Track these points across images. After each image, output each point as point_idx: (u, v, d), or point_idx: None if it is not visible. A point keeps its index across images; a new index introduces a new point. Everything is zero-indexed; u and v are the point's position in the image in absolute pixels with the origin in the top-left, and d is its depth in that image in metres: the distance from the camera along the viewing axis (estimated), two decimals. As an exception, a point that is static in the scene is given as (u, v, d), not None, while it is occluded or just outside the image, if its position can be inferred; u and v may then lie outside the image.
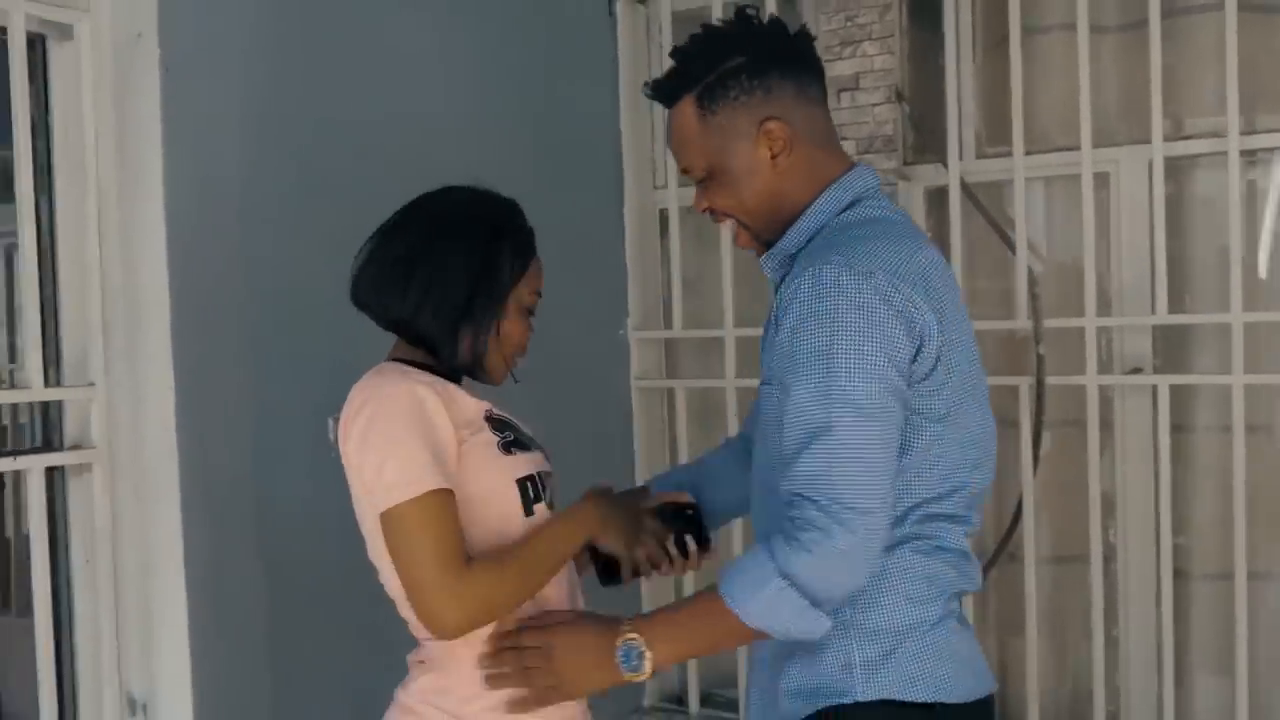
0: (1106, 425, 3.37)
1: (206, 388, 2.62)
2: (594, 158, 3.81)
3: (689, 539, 1.96)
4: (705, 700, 3.83)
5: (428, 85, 3.21)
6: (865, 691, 1.69)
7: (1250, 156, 3.23)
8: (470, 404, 1.80)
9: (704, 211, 1.87)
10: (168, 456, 2.58)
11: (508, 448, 1.81)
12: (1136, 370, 3.31)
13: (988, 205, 3.41)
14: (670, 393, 3.87)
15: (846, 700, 1.70)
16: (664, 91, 1.83)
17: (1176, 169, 3.34)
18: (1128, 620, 3.36)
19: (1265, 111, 3.19)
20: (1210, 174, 3.29)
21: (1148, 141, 3.20)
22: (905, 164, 3.56)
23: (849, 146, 3.47)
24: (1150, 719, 3.28)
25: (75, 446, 2.58)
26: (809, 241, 1.79)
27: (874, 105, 3.47)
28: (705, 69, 1.78)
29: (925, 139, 3.53)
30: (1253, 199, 3.28)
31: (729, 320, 3.65)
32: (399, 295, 1.82)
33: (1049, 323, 3.33)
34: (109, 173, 2.61)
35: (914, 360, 1.65)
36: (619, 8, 3.81)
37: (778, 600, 1.60)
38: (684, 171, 1.86)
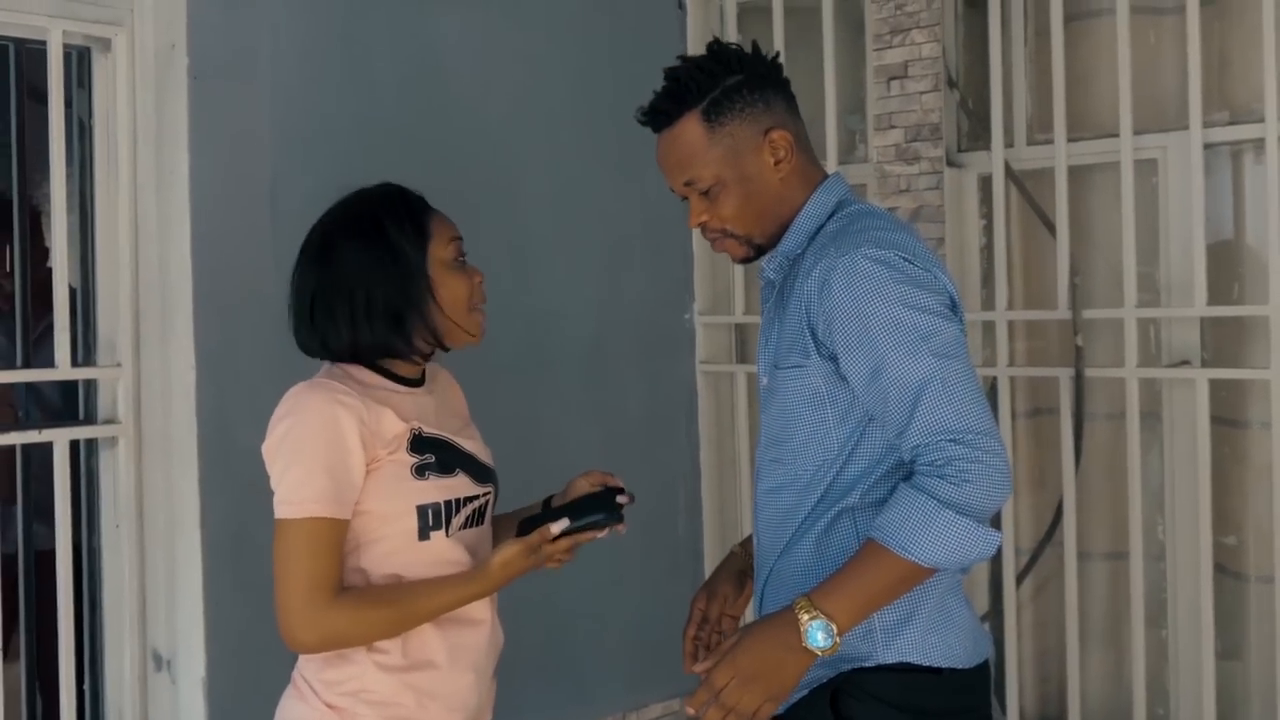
0: (1155, 418, 3.25)
1: (224, 369, 2.84)
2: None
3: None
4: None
5: (475, 85, 3.37)
6: (885, 655, 1.83)
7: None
8: (395, 426, 1.89)
9: (698, 225, 1.98)
10: (188, 431, 2.81)
11: (421, 471, 1.90)
12: (1184, 363, 3.18)
13: (1044, 192, 3.34)
14: (733, 377, 3.93)
15: (868, 664, 1.83)
16: (664, 112, 1.96)
17: (1232, 156, 3.19)
18: (1176, 619, 3.23)
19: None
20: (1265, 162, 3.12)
21: (1199, 127, 3.07)
22: (959, 150, 3.51)
23: (897, 134, 3.46)
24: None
25: (108, 421, 2.85)
26: (810, 241, 1.94)
27: (922, 93, 3.43)
28: (709, 86, 1.93)
29: (978, 126, 3.47)
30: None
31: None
32: (332, 329, 1.93)
33: (1089, 313, 3.24)
34: (147, 173, 2.86)
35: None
36: (688, 2, 3.88)
37: (951, 531, 1.70)
38: (685, 186, 1.95)
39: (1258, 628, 3.16)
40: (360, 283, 1.91)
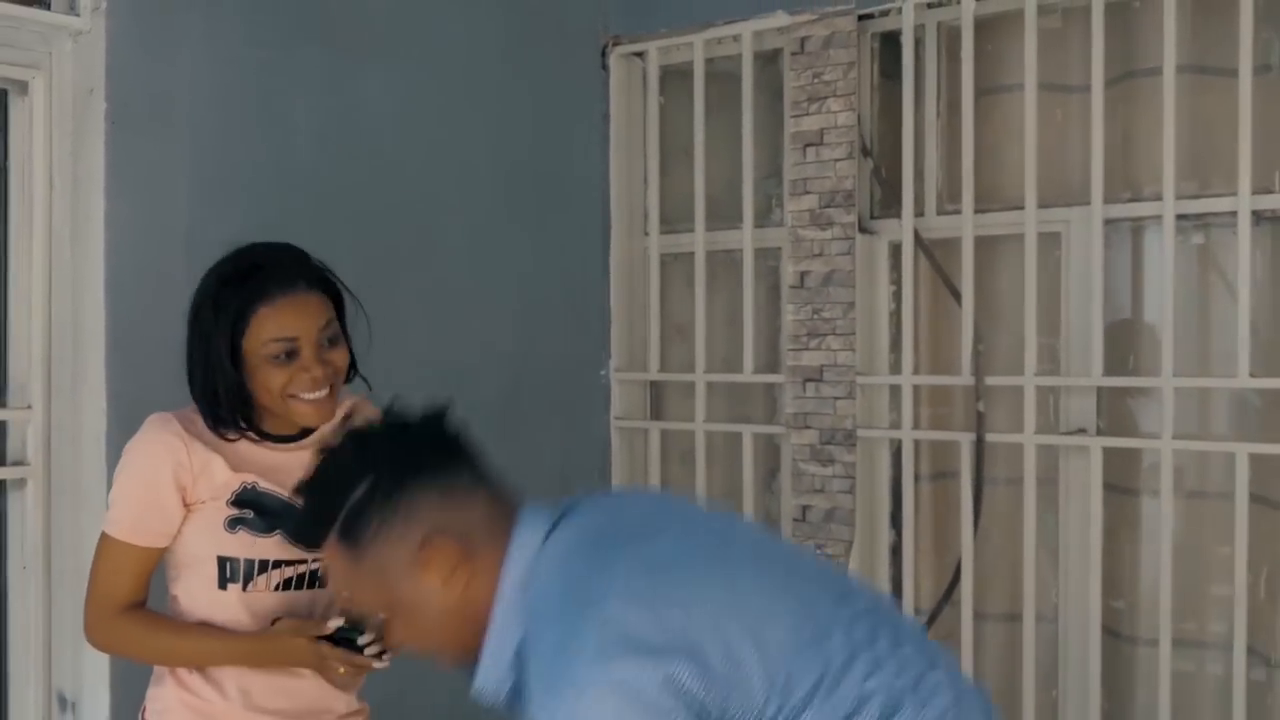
0: (1052, 484, 3.35)
1: (136, 414, 2.77)
2: (581, 204, 3.97)
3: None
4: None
5: (394, 139, 3.41)
6: None
7: (1199, 220, 3.19)
8: (223, 474, 2.00)
9: None
10: (98, 474, 2.80)
11: (233, 525, 2.00)
12: (1080, 431, 3.28)
13: (952, 261, 3.44)
14: (647, 433, 3.98)
15: None
16: (309, 538, 1.68)
17: (1132, 233, 3.31)
18: (1066, 680, 3.32)
19: (1218, 176, 3.14)
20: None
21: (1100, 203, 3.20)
22: (871, 218, 3.61)
23: (812, 200, 3.55)
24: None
25: (17, 463, 2.84)
26: (519, 659, 1.57)
27: (836, 161, 3.52)
28: (335, 504, 1.61)
29: (890, 194, 3.57)
30: (1203, 263, 3.23)
31: (699, 365, 3.79)
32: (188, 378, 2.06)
33: (991, 380, 3.34)
34: (63, 217, 2.87)
35: (706, 680, 1.44)
36: (611, 61, 3.96)
37: None
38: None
39: (1144, 690, 3.25)
40: (189, 354, 2.04)
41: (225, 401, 2.00)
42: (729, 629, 1.47)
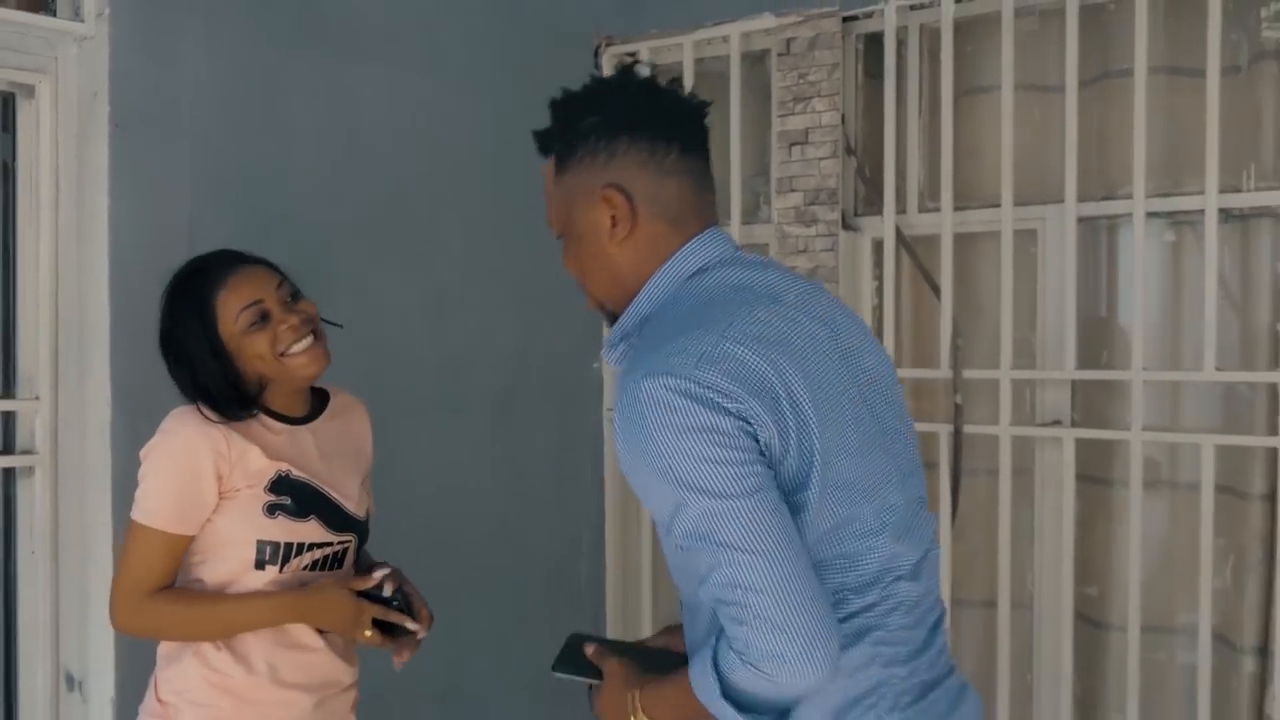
0: (1027, 474, 3.44)
1: (138, 404, 2.95)
2: (576, 201, 4.06)
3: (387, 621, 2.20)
4: None
5: (392, 139, 3.51)
6: None
7: (1170, 218, 3.27)
8: (259, 462, 2.10)
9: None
10: (103, 462, 2.93)
11: (272, 511, 2.11)
12: (1055, 423, 3.37)
13: (932, 257, 3.53)
14: (641, 424, 4.07)
15: None
16: (540, 144, 1.83)
17: (1106, 230, 3.39)
18: (1040, 664, 3.42)
19: (1190, 175, 3.22)
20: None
21: (1075, 201, 3.28)
22: (855, 215, 3.70)
23: (797, 198, 3.64)
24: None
25: (25, 451, 2.97)
26: (643, 324, 1.71)
27: (821, 159, 3.62)
28: (562, 126, 1.77)
29: (873, 192, 3.66)
30: (1176, 260, 3.31)
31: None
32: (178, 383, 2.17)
33: (969, 373, 3.43)
34: (68, 215, 2.98)
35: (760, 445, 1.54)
36: (604, 60, 4.06)
37: (717, 704, 1.57)
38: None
39: (1115, 674, 3.35)
40: (171, 359, 2.18)
41: (218, 392, 2.12)
42: (806, 422, 1.56)
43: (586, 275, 1.77)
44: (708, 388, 1.51)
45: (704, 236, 1.73)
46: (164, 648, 2.23)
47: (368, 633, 2.16)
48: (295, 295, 2.20)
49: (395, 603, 2.19)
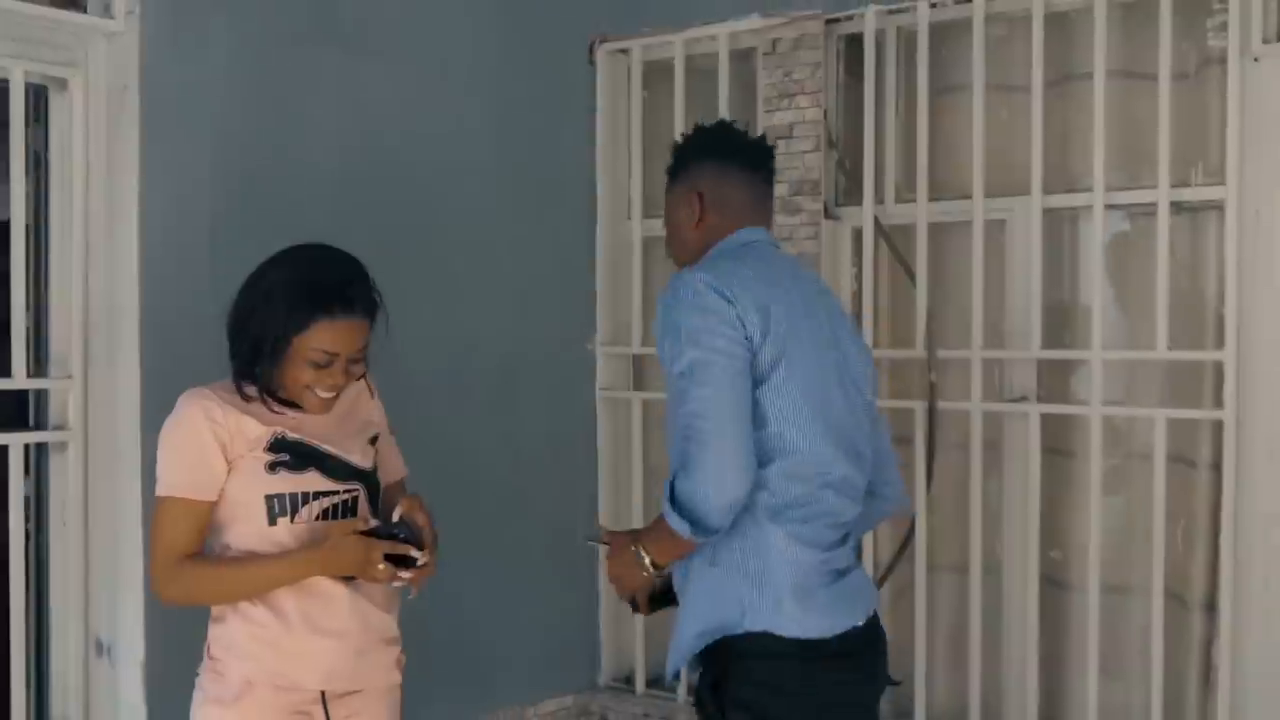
0: (996, 447, 3.69)
1: (166, 382, 3.05)
2: (570, 191, 4.27)
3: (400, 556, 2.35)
4: (651, 682, 4.26)
5: (401, 133, 3.70)
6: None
7: (1127, 210, 3.53)
8: (256, 429, 2.29)
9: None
10: (132, 437, 3.09)
11: (273, 468, 2.30)
12: (1022, 399, 3.62)
13: (908, 245, 3.76)
14: (630, 403, 4.30)
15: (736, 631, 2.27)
16: (667, 173, 2.59)
17: (1069, 220, 3.64)
18: (1009, 624, 3.68)
19: (1145, 171, 3.47)
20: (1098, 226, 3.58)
21: (1041, 193, 3.54)
22: (836, 205, 3.92)
23: (782, 189, 3.85)
24: (1025, 717, 3.60)
25: (58, 427, 3.12)
26: None
27: (804, 153, 3.84)
28: (677, 154, 2.55)
29: (853, 184, 3.89)
30: (1132, 248, 3.57)
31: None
32: (230, 345, 2.33)
33: (942, 353, 3.67)
34: (98, 202, 3.14)
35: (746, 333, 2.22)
36: (598, 57, 4.26)
37: (673, 518, 2.19)
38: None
39: (1077, 631, 3.61)
40: (236, 326, 2.32)
41: (259, 379, 2.31)
42: (780, 338, 2.24)
43: (672, 246, 2.54)
44: (724, 286, 2.22)
45: (750, 229, 2.47)
46: (213, 610, 2.39)
47: (380, 567, 2.30)
48: (360, 357, 2.36)
49: (401, 535, 2.33)
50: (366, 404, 2.53)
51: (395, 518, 2.35)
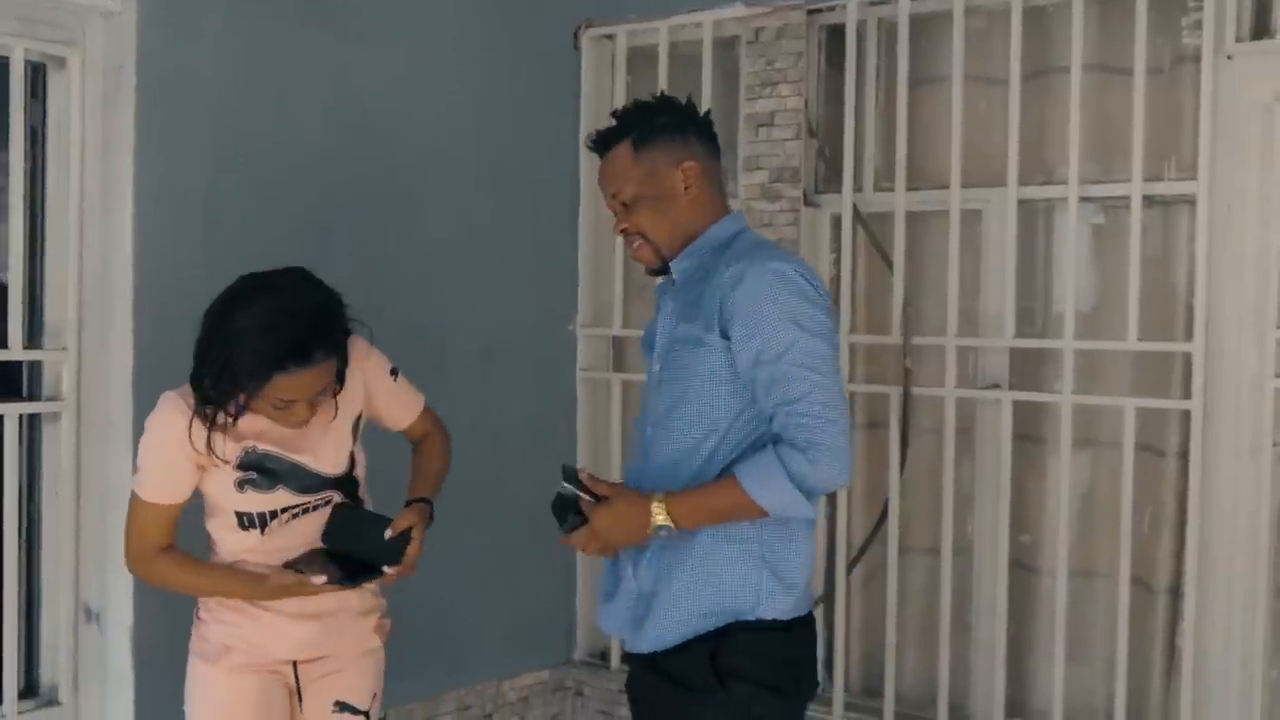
0: (969, 433, 3.78)
1: (159, 355, 3.17)
2: (554, 175, 4.33)
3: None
4: (625, 658, 4.31)
5: (388, 113, 3.76)
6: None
7: (1101, 202, 3.61)
8: (227, 447, 2.41)
9: (620, 232, 2.48)
10: (125, 409, 3.17)
11: (242, 486, 2.43)
12: (994, 386, 3.71)
13: (886, 233, 3.84)
14: (610, 384, 4.37)
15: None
16: (604, 140, 2.47)
17: (1044, 212, 3.73)
18: (978, 606, 3.77)
19: (1119, 164, 3.55)
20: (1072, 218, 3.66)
21: (1016, 185, 3.62)
22: (816, 193, 4.00)
23: (762, 175, 3.94)
24: (992, 698, 3.69)
25: (52, 398, 3.18)
26: (714, 255, 2.39)
27: (785, 140, 3.91)
28: (639, 121, 2.44)
29: (833, 172, 3.97)
30: (1105, 240, 3.65)
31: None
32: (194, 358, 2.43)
33: (917, 340, 3.76)
34: (94, 178, 3.20)
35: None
36: (583, 42, 4.32)
37: (786, 495, 2.22)
38: (612, 198, 2.45)
39: (1045, 613, 3.71)
40: (203, 356, 2.40)
41: (220, 418, 2.41)
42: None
43: (654, 226, 2.43)
44: (815, 278, 2.31)
45: (734, 217, 2.50)
46: None
47: (320, 579, 2.44)
48: (325, 391, 2.42)
49: (378, 549, 2.49)
50: (352, 386, 2.59)
51: (388, 535, 2.49)
